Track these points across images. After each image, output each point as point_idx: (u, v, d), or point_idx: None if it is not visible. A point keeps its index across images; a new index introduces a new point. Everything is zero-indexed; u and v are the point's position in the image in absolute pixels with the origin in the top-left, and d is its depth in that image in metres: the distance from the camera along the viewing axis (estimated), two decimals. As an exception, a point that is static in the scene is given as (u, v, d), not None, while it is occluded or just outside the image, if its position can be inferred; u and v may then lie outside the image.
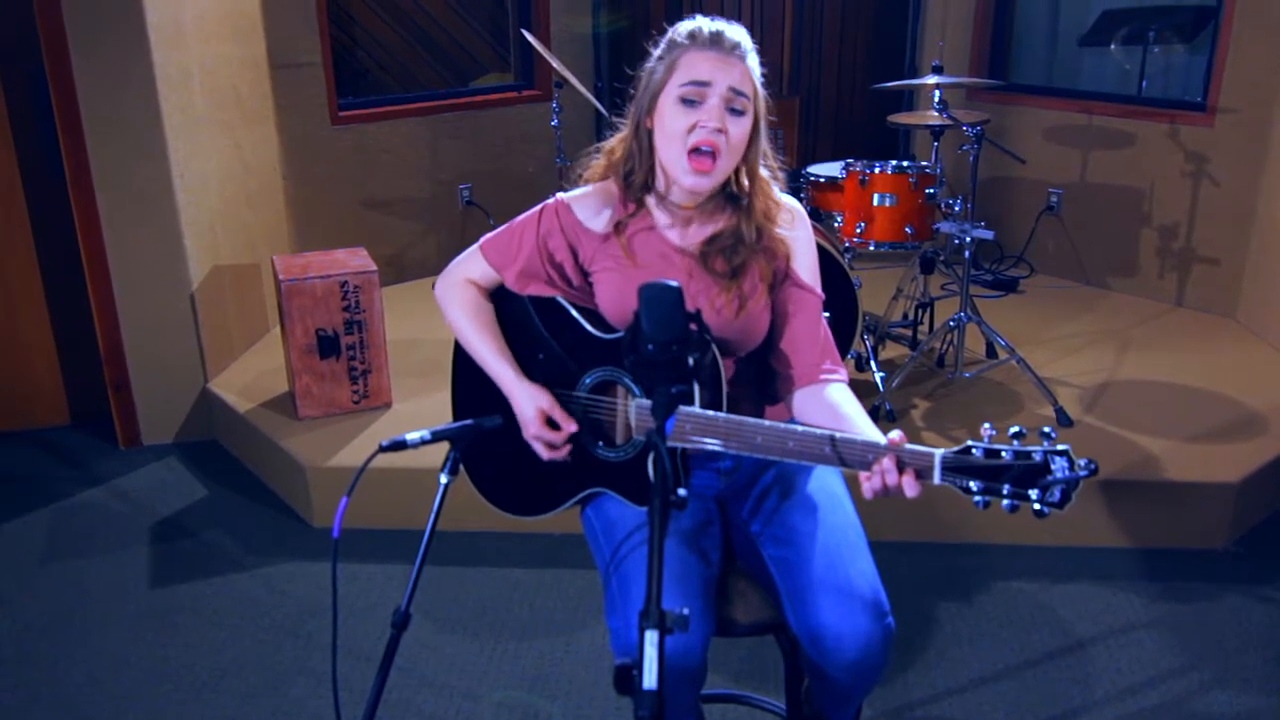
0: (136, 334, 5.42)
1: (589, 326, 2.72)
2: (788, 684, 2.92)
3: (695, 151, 2.54)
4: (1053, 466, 2.13)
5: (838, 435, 2.29)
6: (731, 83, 2.55)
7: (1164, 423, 4.98)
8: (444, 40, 7.97)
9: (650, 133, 2.66)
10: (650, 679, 1.76)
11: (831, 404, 2.61)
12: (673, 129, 2.58)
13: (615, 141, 2.80)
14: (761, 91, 2.63)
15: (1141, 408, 5.15)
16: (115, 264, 5.28)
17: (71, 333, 5.60)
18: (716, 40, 2.59)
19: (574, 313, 2.75)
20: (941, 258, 5.84)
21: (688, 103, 2.56)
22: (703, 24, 2.62)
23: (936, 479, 2.21)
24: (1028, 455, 2.14)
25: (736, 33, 2.62)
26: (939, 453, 2.21)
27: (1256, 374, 5.57)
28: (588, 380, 2.71)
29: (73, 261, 5.28)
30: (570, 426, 2.69)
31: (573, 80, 5.85)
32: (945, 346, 5.65)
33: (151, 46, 5.04)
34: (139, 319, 5.40)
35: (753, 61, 2.61)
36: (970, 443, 2.19)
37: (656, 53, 2.68)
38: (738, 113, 2.57)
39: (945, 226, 5.13)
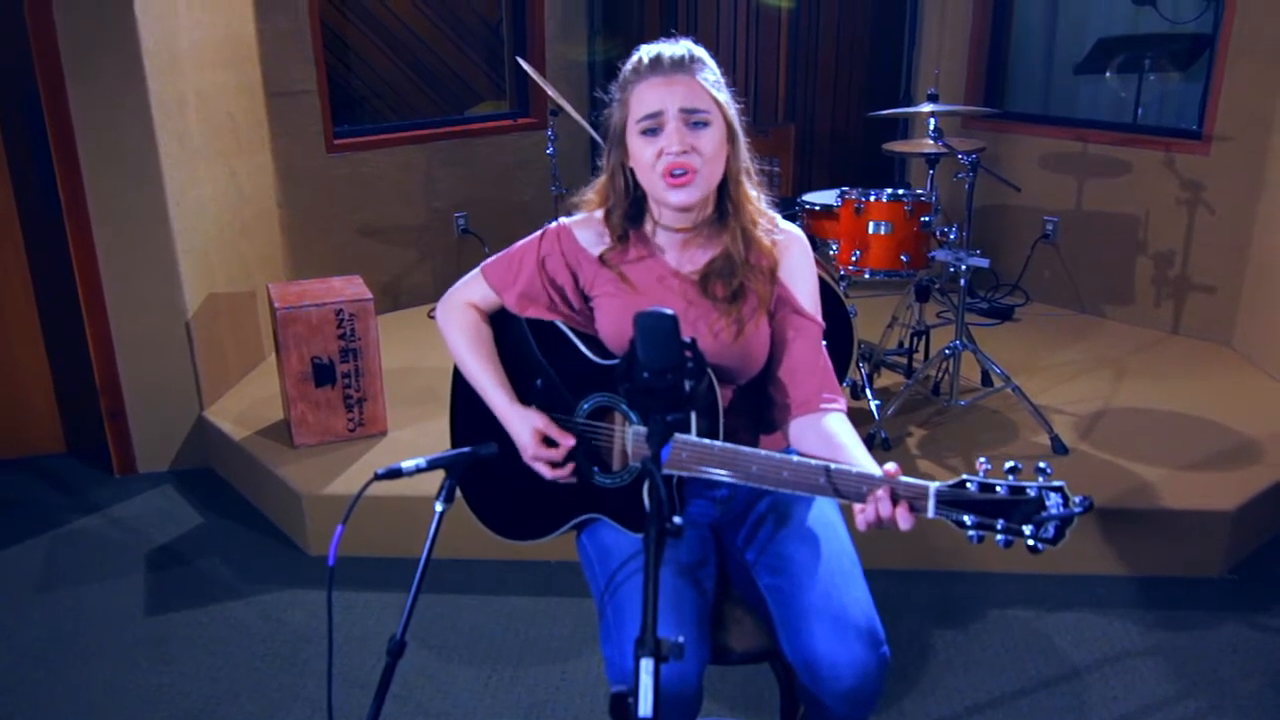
0: (132, 361, 5.41)
1: (587, 352, 2.72)
2: (783, 712, 2.92)
3: (668, 174, 2.56)
4: (1047, 502, 2.12)
5: (833, 466, 2.29)
6: (681, 103, 2.56)
7: (1160, 450, 4.97)
8: (439, 68, 7.99)
9: (632, 170, 2.67)
10: (645, 707, 1.75)
11: (829, 434, 2.60)
12: (642, 161, 2.61)
13: (600, 181, 2.81)
14: (722, 96, 2.62)
15: (1137, 435, 5.15)
16: (110, 291, 5.28)
17: (67, 360, 5.60)
18: (656, 65, 2.60)
19: (573, 338, 2.76)
20: (937, 285, 5.84)
21: (649, 133, 2.58)
22: (643, 53, 2.64)
23: (930, 512, 2.21)
24: (1022, 490, 2.14)
25: (677, 50, 2.62)
26: (933, 486, 2.21)
27: (1252, 401, 5.57)
28: (585, 406, 2.71)
29: (68, 288, 5.28)
30: (568, 441, 2.68)
31: (568, 108, 5.86)
32: (941, 374, 5.65)
33: (147, 74, 5.05)
34: (134, 346, 5.39)
35: (703, 74, 2.61)
36: (965, 477, 2.18)
37: (613, 95, 2.70)
38: (700, 125, 2.58)
39: (940, 254, 5.13)
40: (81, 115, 5.04)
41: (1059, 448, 4.96)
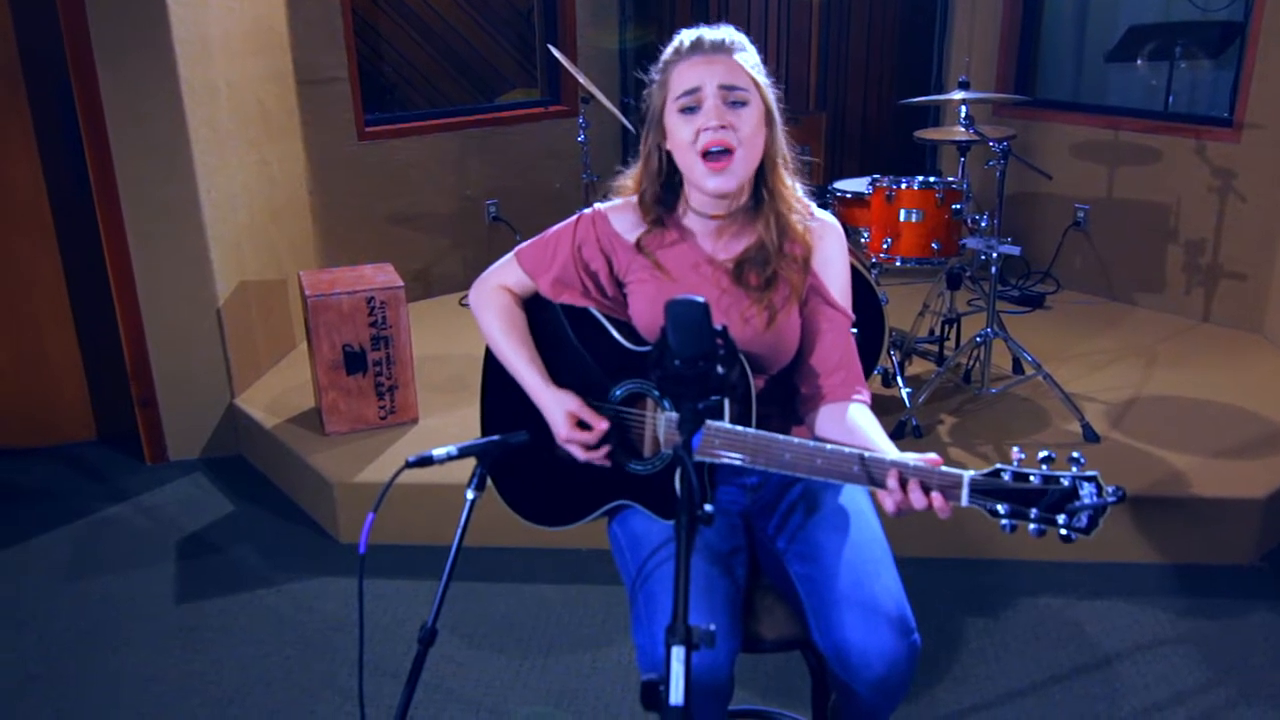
0: (163, 350, 5.44)
1: (620, 338, 2.72)
2: (814, 700, 2.91)
3: (707, 154, 2.56)
4: (1081, 492, 2.13)
5: (866, 454, 2.29)
6: (719, 80, 2.56)
7: (1190, 438, 4.95)
8: (470, 56, 8.00)
9: (669, 153, 2.67)
10: (677, 695, 1.75)
11: (853, 424, 2.61)
12: (680, 141, 2.60)
13: (638, 165, 2.81)
14: (763, 80, 2.63)
15: (1168, 423, 5.13)
16: (141, 280, 5.31)
17: (98, 348, 5.63)
18: (697, 46, 2.61)
19: (606, 324, 2.75)
20: (968, 273, 5.82)
21: (687, 111, 2.58)
22: (684, 36, 2.65)
23: (964, 501, 2.21)
24: (1056, 480, 2.14)
25: (717, 33, 2.63)
26: (967, 474, 2.21)
27: (1284, 390, 5.54)
28: (618, 392, 2.71)
29: (99, 277, 5.31)
30: (601, 424, 2.67)
31: (599, 96, 5.86)
32: (972, 362, 5.64)
33: (178, 61, 5.07)
34: (165, 335, 5.42)
35: (742, 56, 2.61)
36: (999, 465, 2.19)
37: (652, 78, 2.70)
38: (739, 104, 2.57)
39: (971, 242, 5.11)
40: (112, 103, 5.06)
41: (1090, 436, 4.95)
